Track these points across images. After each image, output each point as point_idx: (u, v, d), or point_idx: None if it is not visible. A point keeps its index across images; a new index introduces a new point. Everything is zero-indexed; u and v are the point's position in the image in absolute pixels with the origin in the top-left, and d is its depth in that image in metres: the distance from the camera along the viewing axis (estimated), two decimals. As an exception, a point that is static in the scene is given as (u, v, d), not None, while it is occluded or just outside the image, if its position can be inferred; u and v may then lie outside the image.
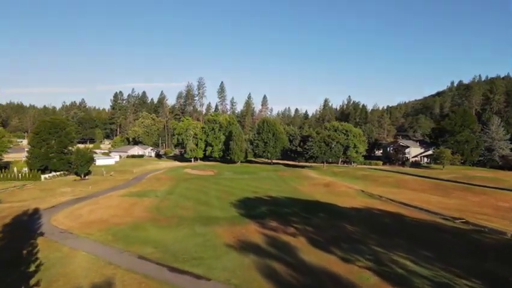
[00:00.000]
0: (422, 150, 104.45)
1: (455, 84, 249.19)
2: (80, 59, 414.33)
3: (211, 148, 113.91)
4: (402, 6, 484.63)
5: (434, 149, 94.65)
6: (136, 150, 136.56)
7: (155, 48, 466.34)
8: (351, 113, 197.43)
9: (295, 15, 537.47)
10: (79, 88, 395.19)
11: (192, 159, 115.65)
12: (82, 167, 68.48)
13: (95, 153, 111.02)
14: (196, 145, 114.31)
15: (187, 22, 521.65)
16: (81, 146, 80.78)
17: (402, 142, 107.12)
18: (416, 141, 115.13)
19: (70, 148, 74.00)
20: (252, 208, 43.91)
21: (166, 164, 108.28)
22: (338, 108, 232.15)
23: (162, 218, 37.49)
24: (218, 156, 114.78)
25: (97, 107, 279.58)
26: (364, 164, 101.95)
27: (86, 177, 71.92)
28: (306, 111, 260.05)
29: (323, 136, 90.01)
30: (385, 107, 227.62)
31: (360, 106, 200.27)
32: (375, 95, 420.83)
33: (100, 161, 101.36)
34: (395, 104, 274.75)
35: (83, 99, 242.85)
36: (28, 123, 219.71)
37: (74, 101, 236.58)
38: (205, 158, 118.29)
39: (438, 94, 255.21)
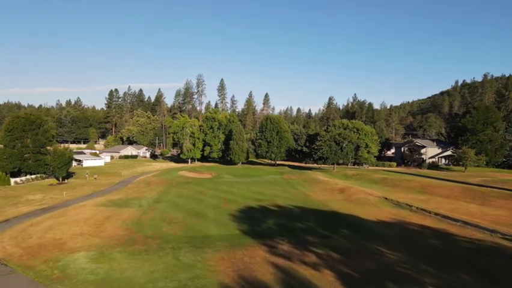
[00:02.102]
0: (440, 150, 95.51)
1: (459, 84, 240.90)
2: (79, 59, 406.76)
3: (209, 148, 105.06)
4: (402, 7, 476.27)
5: (453, 149, 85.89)
6: (129, 150, 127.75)
7: (156, 49, 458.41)
8: (357, 112, 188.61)
9: (296, 14, 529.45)
10: (78, 88, 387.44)
11: (189, 160, 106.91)
12: (60, 169, 59.69)
13: (83, 153, 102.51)
14: (194, 145, 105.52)
15: (187, 22, 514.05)
16: (60, 145, 71.70)
17: (419, 142, 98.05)
18: (433, 140, 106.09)
19: (48, 148, 65.19)
20: (255, 222, 35.26)
21: (160, 165, 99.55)
22: (342, 107, 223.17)
23: (140, 239, 28.81)
24: (217, 156, 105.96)
25: (95, 107, 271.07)
26: (377, 166, 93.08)
27: (66, 180, 63.23)
28: (310, 110, 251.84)
29: (333, 135, 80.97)
30: (388, 107, 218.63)
31: (367, 104, 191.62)
32: (376, 95, 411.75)
33: (88, 163, 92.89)
34: (398, 103, 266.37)
35: (78, 97, 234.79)
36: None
37: (69, 100, 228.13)
38: (203, 158, 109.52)
39: (442, 93, 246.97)
